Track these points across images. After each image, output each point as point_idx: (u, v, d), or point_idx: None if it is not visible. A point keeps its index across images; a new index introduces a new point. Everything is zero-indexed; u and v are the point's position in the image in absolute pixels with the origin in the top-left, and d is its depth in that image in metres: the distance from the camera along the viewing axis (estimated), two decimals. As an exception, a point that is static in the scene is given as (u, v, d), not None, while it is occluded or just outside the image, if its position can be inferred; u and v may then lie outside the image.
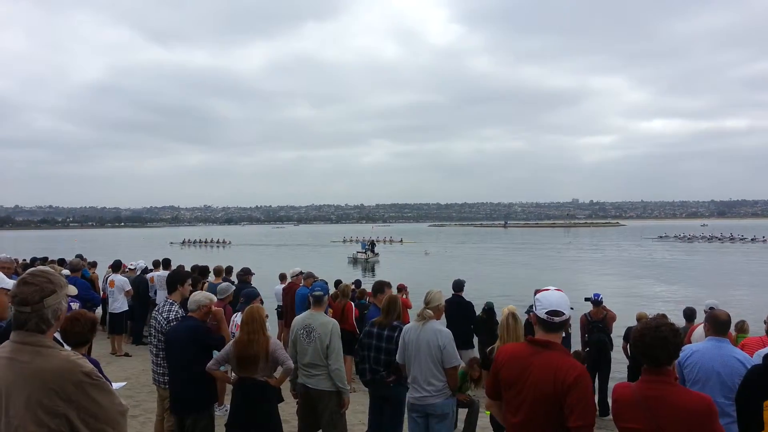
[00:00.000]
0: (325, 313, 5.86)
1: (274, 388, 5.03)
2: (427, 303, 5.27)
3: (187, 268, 11.57)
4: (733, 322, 5.94)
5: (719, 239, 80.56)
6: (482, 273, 36.97)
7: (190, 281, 6.46)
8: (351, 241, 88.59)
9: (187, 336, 5.22)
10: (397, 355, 5.30)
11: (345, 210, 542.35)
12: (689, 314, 8.65)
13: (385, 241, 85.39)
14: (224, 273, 10.92)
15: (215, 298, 5.72)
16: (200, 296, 5.49)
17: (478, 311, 10.22)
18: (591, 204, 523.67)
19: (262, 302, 8.42)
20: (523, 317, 5.51)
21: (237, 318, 6.91)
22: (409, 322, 5.67)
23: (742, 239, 79.15)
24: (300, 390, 5.55)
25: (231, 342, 5.15)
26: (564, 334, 3.33)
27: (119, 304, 11.77)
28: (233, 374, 5.14)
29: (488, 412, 4.95)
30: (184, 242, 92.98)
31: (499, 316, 5.56)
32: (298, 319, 5.70)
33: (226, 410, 5.95)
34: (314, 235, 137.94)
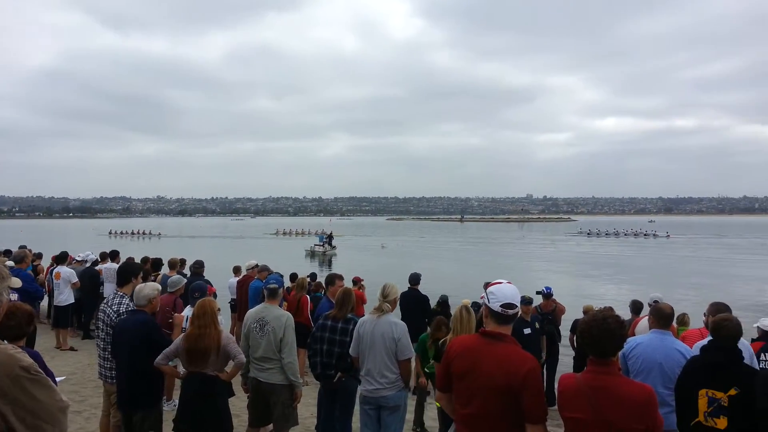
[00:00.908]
0: (280, 306, 5.81)
1: (224, 383, 4.96)
2: (385, 296, 5.29)
3: (137, 260, 11.29)
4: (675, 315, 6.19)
5: (626, 234, 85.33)
6: (438, 266, 37.34)
7: (141, 274, 6.31)
8: (286, 234, 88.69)
9: (137, 330, 5.09)
10: (350, 348, 5.30)
11: (303, 203, 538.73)
12: (636, 307, 8.94)
13: (302, 233, 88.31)
14: (178, 265, 10.71)
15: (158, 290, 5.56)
16: (149, 290, 5.37)
17: (434, 305, 10.32)
18: (544, 199, 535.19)
19: (215, 296, 8.31)
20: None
21: (188, 311, 6.78)
22: (363, 315, 5.68)
23: (645, 234, 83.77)
24: (252, 384, 5.49)
25: (181, 336, 5.06)
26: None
27: (65, 296, 11.39)
28: (183, 369, 5.05)
29: (438, 404, 5.00)
30: (111, 233, 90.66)
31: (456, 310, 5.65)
32: (251, 313, 5.64)
33: (175, 405, 5.85)
34: (255, 227, 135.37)
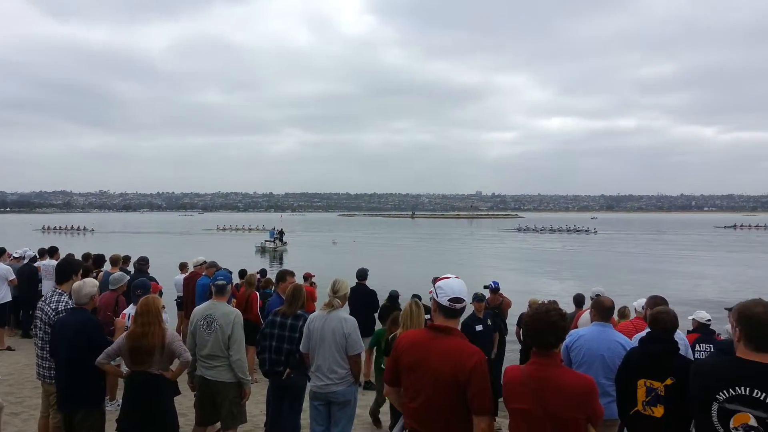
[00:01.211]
0: (228, 303, 5.72)
1: (169, 381, 4.85)
2: (335, 292, 5.27)
3: (78, 257, 10.88)
4: (616, 308, 6.42)
5: (559, 230, 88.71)
6: (390, 262, 37.53)
7: (81, 271, 6.09)
8: (226, 230, 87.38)
9: (78, 329, 4.92)
10: (300, 345, 5.27)
11: (253, 198, 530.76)
12: (578, 301, 9.22)
13: (244, 229, 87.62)
14: (121, 262, 10.38)
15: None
16: (90, 287, 5.19)
17: (383, 300, 10.36)
18: (493, 196, 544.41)
19: (161, 293, 8.12)
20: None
21: (130, 309, 6.59)
22: (314, 311, 5.65)
23: (578, 230, 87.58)
24: (198, 382, 5.39)
25: (123, 334, 4.91)
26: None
27: (2, 294, 10.88)
28: (126, 368, 4.91)
29: (386, 398, 5.03)
30: (44, 229, 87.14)
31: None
32: (198, 310, 5.53)
33: (119, 405, 5.68)
34: (200, 223, 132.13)
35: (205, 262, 10.84)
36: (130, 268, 10.76)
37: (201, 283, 10.07)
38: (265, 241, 52.41)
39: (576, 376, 3.15)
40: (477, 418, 3.04)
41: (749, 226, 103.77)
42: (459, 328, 3.59)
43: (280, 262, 39.68)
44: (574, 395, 2.96)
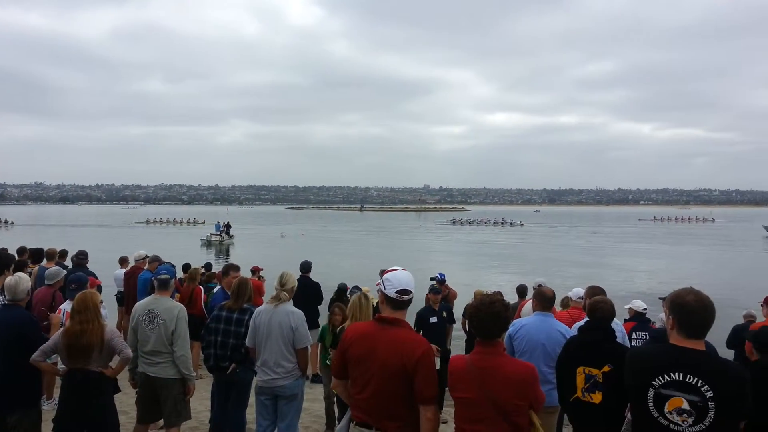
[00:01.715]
0: (172, 297, 5.59)
1: (109, 379, 4.71)
2: (282, 284, 5.22)
3: (12, 251, 10.38)
4: (559, 298, 6.62)
5: (486, 223, 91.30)
6: (338, 255, 37.46)
7: (13, 266, 5.82)
8: (156, 222, 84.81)
9: (12, 326, 4.71)
10: (246, 339, 5.20)
11: (198, 191, 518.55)
12: (521, 291, 9.45)
13: (175, 222, 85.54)
14: (57, 256, 9.97)
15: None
16: (26, 283, 4.98)
17: (331, 292, 10.34)
18: (440, 190, 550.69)
19: (100, 288, 7.83)
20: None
21: (67, 305, 6.34)
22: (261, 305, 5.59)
23: (503, 223, 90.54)
24: (140, 379, 5.25)
25: (60, 331, 4.73)
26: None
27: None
28: (63, 366, 4.73)
29: (334, 391, 5.03)
30: None
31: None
32: (140, 305, 5.39)
33: (56, 404, 5.47)
34: (132, 216, 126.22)
35: (147, 256, 10.54)
36: (68, 262, 10.35)
37: (143, 278, 9.78)
38: (211, 234, 51.31)
39: (518, 364, 3.25)
40: (423, 407, 3.09)
41: (669, 218, 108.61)
42: (414, 320, 3.68)
43: (227, 256, 38.98)
44: (516, 383, 3.05)
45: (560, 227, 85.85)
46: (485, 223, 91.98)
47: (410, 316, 3.58)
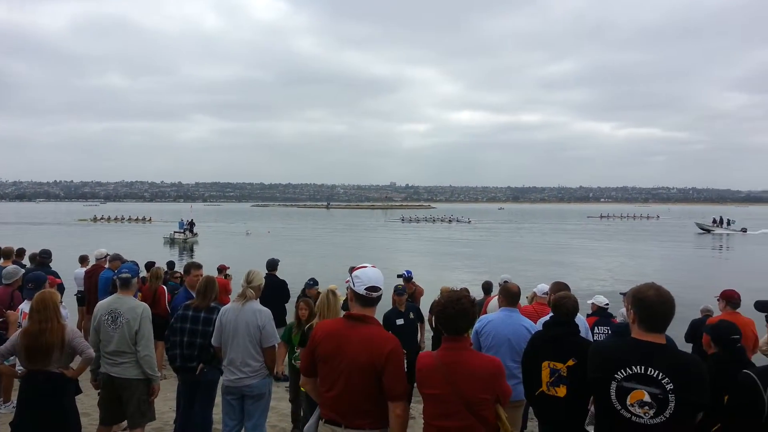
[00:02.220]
0: (135, 297, 5.48)
1: (70, 380, 4.60)
2: (249, 282, 5.17)
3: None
4: (525, 294, 6.72)
5: (441, 221, 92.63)
6: (305, 253, 37.27)
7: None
8: (102, 220, 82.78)
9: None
10: (212, 338, 5.14)
11: (161, 188, 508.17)
12: (487, 287, 9.57)
13: (117, 220, 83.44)
14: (14, 255, 9.66)
15: None
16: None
17: (298, 290, 10.29)
18: (407, 187, 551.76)
19: (62, 288, 7.63)
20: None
21: (26, 306, 6.16)
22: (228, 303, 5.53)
23: (457, 221, 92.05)
24: (103, 379, 5.14)
25: (18, 332, 4.60)
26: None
27: None
28: (21, 367, 4.60)
29: (303, 389, 5.01)
30: None
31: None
32: (103, 304, 5.27)
33: (14, 407, 5.32)
34: (62, 212, 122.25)
35: (108, 254, 10.31)
36: (26, 261, 10.05)
37: (104, 277, 9.56)
38: (174, 232, 50.42)
39: (484, 358, 3.30)
40: (392, 404, 3.11)
41: (616, 215, 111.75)
42: (382, 321, 3.69)
43: (191, 254, 38.38)
44: (482, 377, 3.09)
45: (504, 224, 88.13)
46: (434, 220, 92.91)
47: (378, 318, 3.59)
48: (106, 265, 9.96)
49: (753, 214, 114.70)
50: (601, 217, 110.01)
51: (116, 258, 9.80)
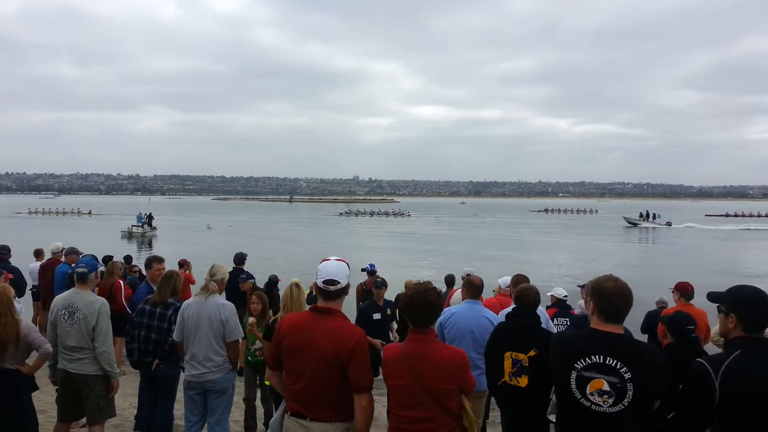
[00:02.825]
0: (92, 291, 5.36)
1: (26, 377, 4.48)
2: (212, 275, 5.11)
3: None
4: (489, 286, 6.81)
5: (378, 214, 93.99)
6: (268, 247, 36.94)
7: None
8: (38, 212, 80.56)
9: None
10: (174, 333, 5.06)
11: (117, 180, 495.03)
12: (450, 280, 9.67)
13: (73, 212, 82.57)
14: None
15: None
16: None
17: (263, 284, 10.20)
18: (370, 181, 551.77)
19: (25, 285, 7.39)
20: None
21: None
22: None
23: (395, 214, 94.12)
24: (61, 376, 5.01)
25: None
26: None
27: None
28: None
29: (267, 383, 4.98)
30: None
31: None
32: (59, 299, 5.13)
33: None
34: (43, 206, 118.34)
35: (64, 248, 10.03)
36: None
37: (60, 271, 9.30)
38: (132, 225, 49.28)
39: (449, 349, 3.34)
40: (358, 396, 3.14)
41: (558, 210, 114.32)
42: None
43: (150, 248, 37.62)
44: (448, 368, 3.14)
45: (445, 217, 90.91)
46: (377, 214, 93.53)
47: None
48: (62, 259, 9.69)
49: (707, 209, 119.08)
50: (546, 211, 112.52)
51: (72, 252, 9.54)
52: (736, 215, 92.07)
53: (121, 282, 8.99)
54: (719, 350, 3.84)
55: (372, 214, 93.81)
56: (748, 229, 62.12)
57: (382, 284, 7.83)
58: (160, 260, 6.94)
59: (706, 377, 2.72)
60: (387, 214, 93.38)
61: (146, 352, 5.32)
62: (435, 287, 3.39)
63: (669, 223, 66.92)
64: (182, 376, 5.19)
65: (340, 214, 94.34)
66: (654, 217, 70.05)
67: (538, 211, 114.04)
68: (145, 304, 5.46)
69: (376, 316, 7.37)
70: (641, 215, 71.15)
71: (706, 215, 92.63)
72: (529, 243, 45.31)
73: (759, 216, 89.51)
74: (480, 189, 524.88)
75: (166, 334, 5.20)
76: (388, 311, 7.68)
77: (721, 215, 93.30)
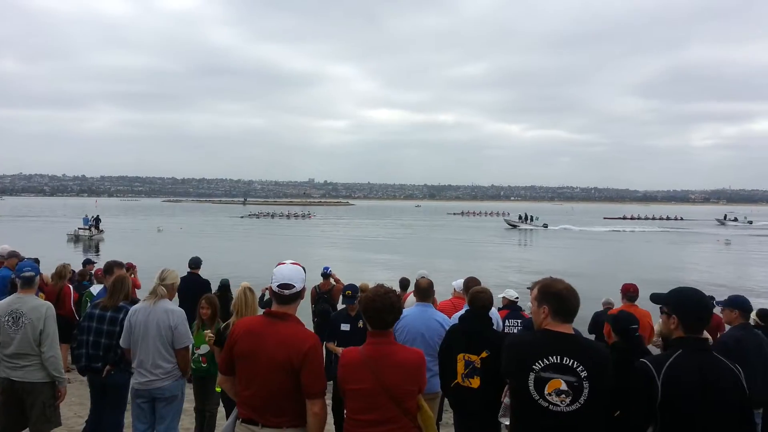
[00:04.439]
0: (37, 296, 5.17)
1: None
2: (162, 280, 5.00)
3: None
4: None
5: (280, 216, 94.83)
6: (221, 250, 36.31)
7: None
8: None
9: None
10: (121, 339, 4.94)
11: (62, 181, 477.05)
12: (404, 284, 9.73)
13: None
14: None
15: None
16: None
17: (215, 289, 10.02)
18: (325, 184, 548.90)
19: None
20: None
21: None
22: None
23: (296, 216, 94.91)
24: (3, 384, 4.82)
25: None
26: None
27: None
28: None
29: (219, 389, 4.91)
30: None
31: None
32: (2, 305, 4.94)
33: None
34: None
35: (9, 251, 9.61)
36: None
37: (0, 276, 8.92)
38: (79, 228, 47.63)
39: (409, 351, 3.37)
40: (310, 402, 3.12)
41: (475, 212, 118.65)
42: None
43: (97, 252, 36.43)
44: (409, 369, 3.18)
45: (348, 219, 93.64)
46: (282, 215, 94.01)
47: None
48: (4, 264, 9.28)
49: (652, 212, 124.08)
50: (462, 213, 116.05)
51: (12, 255, 9.15)
52: (632, 218, 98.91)
53: (70, 287, 8.74)
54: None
55: (273, 216, 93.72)
56: (615, 231, 68.51)
57: (353, 299, 6.33)
58: (121, 265, 6.68)
59: (648, 377, 2.83)
60: (288, 216, 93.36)
61: (96, 358, 5.16)
62: (394, 290, 3.42)
63: (546, 225, 71.08)
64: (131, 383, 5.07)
65: (250, 215, 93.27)
66: (532, 219, 74.87)
67: (455, 213, 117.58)
68: (94, 308, 5.30)
69: (345, 327, 6.30)
70: (520, 217, 76.39)
71: (605, 218, 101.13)
72: (405, 243, 47.83)
73: (653, 219, 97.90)
74: (435, 192, 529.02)
75: (117, 339, 5.05)
76: (360, 324, 6.07)
77: (619, 218, 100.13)
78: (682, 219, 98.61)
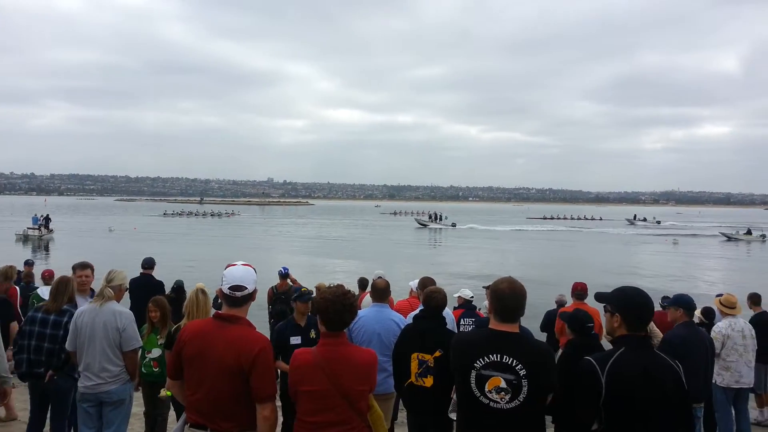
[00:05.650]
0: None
1: None
2: (109, 281, 4.86)
3: None
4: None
5: (211, 215, 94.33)
6: (175, 250, 35.61)
7: None
8: None
9: None
10: (67, 342, 4.78)
11: (10, 179, 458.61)
12: (362, 284, 9.74)
13: None
14: None
15: None
16: None
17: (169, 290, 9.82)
18: (284, 184, 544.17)
19: None
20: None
21: None
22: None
23: (227, 214, 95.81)
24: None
25: None
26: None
27: None
28: None
29: (169, 393, 4.80)
30: None
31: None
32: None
33: None
34: None
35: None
36: None
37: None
38: (28, 228, 45.93)
39: (363, 351, 3.37)
40: (260, 406, 3.08)
41: (406, 212, 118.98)
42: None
43: (47, 251, 35.23)
44: (362, 369, 3.18)
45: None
46: (203, 215, 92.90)
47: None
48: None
49: (602, 213, 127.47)
50: (395, 213, 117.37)
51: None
52: (552, 218, 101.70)
53: (17, 288, 8.43)
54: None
55: (189, 214, 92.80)
56: (520, 230, 70.34)
57: (307, 296, 5.72)
58: (85, 266, 6.26)
59: (593, 374, 2.90)
60: (213, 215, 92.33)
61: (38, 363, 4.99)
62: (350, 290, 3.41)
63: (454, 224, 72.94)
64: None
65: (164, 213, 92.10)
66: (441, 219, 77.48)
67: (390, 213, 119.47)
68: (36, 312, 5.13)
69: (295, 340, 5.47)
70: (430, 216, 79.55)
71: (527, 218, 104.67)
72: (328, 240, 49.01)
73: (574, 218, 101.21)
74: (394, 192, 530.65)
75: (60, 343, 4.91)
76: (313, 334, 5.42)
77: (540, 218, 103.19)
78: (601, 219, 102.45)
